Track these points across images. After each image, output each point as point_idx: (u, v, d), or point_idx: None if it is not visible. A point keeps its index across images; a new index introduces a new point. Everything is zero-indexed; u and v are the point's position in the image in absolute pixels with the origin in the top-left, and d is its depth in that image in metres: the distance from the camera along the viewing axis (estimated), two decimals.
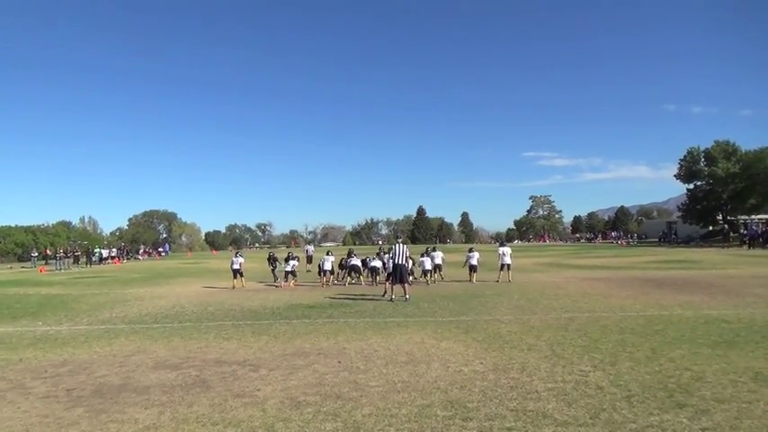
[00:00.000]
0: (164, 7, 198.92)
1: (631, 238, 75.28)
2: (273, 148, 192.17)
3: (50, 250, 42.44)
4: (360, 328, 10.19)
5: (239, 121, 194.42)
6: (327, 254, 20.40)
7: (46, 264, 40.61)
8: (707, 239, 54.85)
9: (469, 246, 26.74)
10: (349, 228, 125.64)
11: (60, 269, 36.70)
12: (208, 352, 8.51)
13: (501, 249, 19.41)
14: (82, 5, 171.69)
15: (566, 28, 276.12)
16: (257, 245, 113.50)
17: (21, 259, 54.61)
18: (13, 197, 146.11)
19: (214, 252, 78.22)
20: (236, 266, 19.62)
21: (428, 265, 18.80)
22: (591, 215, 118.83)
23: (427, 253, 19.64)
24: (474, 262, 19.31)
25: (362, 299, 14.85)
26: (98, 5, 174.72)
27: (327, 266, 19.51)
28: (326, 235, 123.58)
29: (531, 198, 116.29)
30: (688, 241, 55.89)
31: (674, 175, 61.90)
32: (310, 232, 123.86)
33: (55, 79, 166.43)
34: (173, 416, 5.40)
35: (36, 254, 47.31)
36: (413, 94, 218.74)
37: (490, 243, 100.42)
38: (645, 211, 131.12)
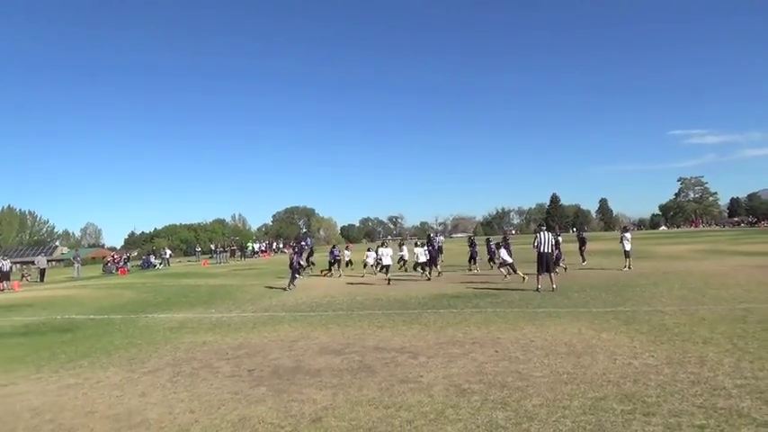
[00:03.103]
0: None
1: None
2: (403, 140, 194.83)
3: (212, 246, 47.29)
4: (510, 318, 10.04)
5: (369, 116, 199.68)
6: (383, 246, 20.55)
7: (209, 258, 45.21)
8: None
9: (624, 227, 25.13)
10: (479, 218, 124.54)
11: (220, 262, 40.69)
12: (365, 339, 8.93)
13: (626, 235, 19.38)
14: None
15: None
16: (390, 237, 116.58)
17: (186, 254, 61.52)
18: (176, 198, 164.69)
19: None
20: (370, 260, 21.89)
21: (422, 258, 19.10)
22: (752, 196, 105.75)
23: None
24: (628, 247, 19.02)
25: (507, 289, 14.61)
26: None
27: (387, 261, 19.27)
28: (457, 226, 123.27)
29: (679, 180, 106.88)
30: None
31: None
32: (440, 223, 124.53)
33: (204, 87, 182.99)
34: (346, 398, 5.76)
35: (199, 249, 52.92)
36: (544, 78, 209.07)
37: (632, 230, 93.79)
38: None
